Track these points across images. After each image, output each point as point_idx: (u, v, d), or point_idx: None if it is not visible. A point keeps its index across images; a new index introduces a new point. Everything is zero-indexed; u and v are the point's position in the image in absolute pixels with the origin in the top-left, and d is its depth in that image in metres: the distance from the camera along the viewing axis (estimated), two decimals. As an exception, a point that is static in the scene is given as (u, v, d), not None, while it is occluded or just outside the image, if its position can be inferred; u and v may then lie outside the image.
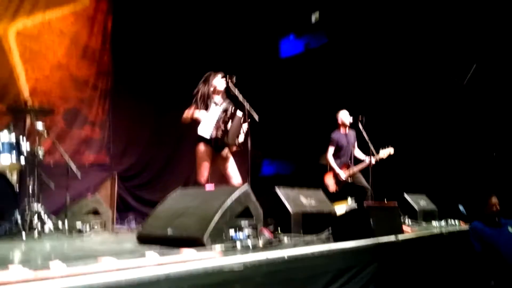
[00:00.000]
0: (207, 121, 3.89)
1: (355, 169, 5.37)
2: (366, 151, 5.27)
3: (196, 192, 2.85)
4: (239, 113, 3.89)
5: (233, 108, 3.91)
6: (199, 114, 3.93)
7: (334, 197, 5.22)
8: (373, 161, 5.20)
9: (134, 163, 6.41)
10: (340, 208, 3.87)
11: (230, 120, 3.82)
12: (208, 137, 3.85)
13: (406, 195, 4.66)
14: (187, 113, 4.01)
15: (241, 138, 3.97)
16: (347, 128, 5.55)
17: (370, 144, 5.14)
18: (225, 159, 4.04)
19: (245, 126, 3.95)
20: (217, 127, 3.85)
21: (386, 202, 4.74)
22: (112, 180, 5.89)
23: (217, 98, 4.09)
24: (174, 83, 6.93)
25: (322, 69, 7.99)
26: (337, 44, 7.83)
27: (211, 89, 4.04)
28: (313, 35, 8.53)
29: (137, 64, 6.51)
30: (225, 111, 3.93)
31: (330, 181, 5.46)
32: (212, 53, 7.31)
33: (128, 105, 6.43)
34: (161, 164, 6.79)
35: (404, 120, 6.80)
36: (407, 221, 4.28)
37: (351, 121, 5.41)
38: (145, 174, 6.54)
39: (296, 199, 3.24)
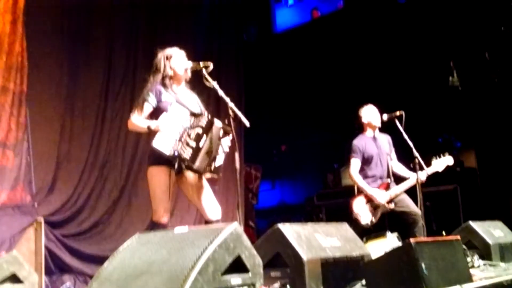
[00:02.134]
0: (167, 128, 3.76)
1: (398, 189, 5.40)
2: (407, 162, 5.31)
3: (163, 238, 2.86)
4: (217, 123, 3.83)
5: (208, 114, 3.85)
6: (156, 123, 3.82)
7: (368, 232, 5.25)
8: (424, 178, 5.23)
9: (68, 201, 6.39)
10: (377, 249, 3.89)
11: (205, 134, 3.74)
12: (168, 153, 3.72)
13: (472, 223, 4.71)
14: (136, 118, 3.96)
15: (219, 162, 3.92)
16: (376, 130, 5.60)
17: (415, 152, 5.19)
18: (195, 186, 4.00)
19: (225, 143, 3.90)
20: (183, 141, 3.76)
21: (444, 235, 4.76)
22: (36, 229, 5.86)
23: (180, 91, 4.10)
24: (122, 75, 6.96)
25: (337, 47, 8.08)
26: (359, 9, 7.94)
27: (170, 73, 4.03)
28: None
29: (64, 54, 6.54)
30: (196, 116, 3.87)
31: (361, 209, 5.45)
32: (175, 31, 7.37)
33: (54, 116, 6.43)
34: (110, 200, 6.78)
35: (460, 117, 6.88)
36: (477, 261, 4.32)
37: (385, 119, 5.48)
38: (85, 216, 6.52)
39: (312, 240, 3.26)
